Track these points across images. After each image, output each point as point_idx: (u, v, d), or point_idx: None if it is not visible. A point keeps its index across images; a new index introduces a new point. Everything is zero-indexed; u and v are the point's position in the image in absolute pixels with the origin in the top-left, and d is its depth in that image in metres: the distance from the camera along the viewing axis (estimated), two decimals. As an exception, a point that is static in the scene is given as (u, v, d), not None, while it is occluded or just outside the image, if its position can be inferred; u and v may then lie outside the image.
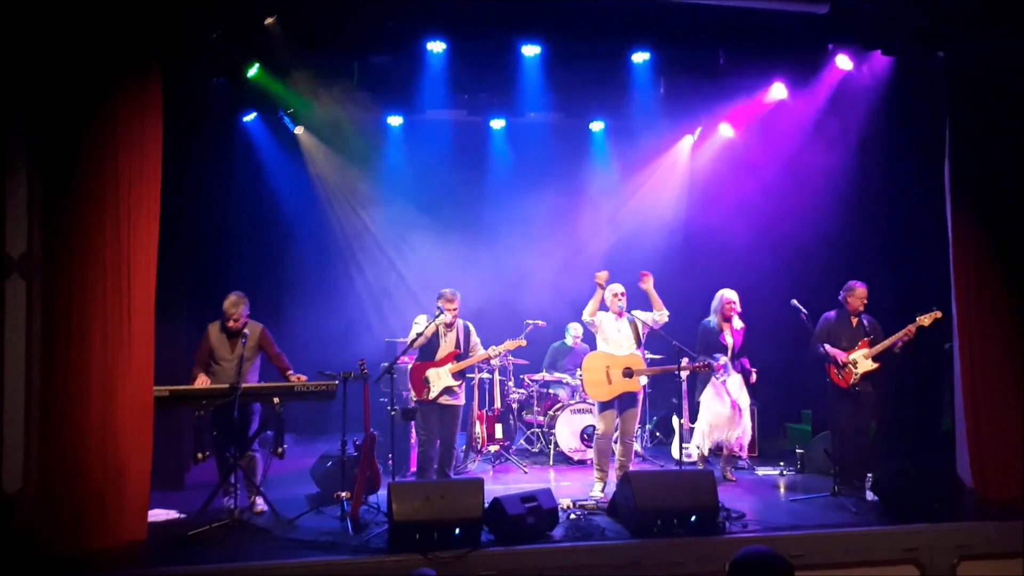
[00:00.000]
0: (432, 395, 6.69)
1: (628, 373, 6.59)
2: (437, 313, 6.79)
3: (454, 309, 6.74)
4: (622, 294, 6.73)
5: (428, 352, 6.81)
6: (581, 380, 7.08)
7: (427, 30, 7.15)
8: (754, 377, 7.19)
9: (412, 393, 6.82)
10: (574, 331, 8.87)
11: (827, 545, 5.38)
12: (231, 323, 6.08)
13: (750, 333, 7.35)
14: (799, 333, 7.01)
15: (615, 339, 6.72)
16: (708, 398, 7.14)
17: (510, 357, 8.25)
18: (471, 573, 4.93)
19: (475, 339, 7.00)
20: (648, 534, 5.30)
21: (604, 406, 6.62)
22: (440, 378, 6.73)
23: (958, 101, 6.82)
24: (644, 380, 6.94)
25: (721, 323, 7.14)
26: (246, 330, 6.05)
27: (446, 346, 6.81)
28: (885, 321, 6.87)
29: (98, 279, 5.33)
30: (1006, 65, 6.52)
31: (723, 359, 7.05)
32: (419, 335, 6.72)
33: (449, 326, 6.84)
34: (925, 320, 6.54)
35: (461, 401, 6.88)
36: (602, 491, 6.54)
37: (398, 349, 6.86)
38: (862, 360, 6.70)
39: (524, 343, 7.13)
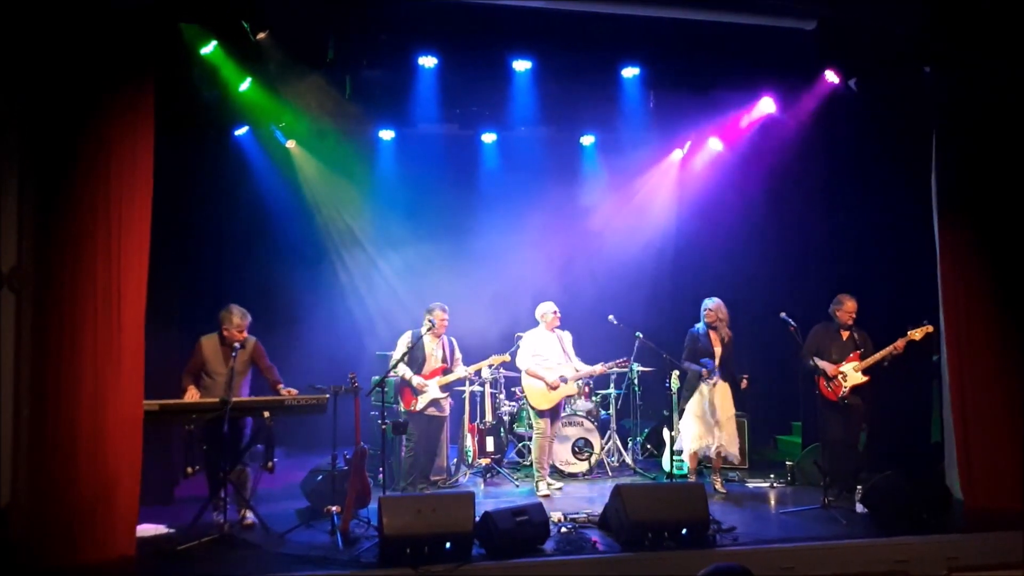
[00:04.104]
0: (419, 406, 6.96)
1: (564, 379, 7.23)
2: (428, 326, 6.90)
3: (445, 322, 6.99)
4: (555, 313, 7.41)
5: (415, 365, 6.98)
6: (524, 395, 7.54)
7: (419, 45, 7.19)
8: (745, 382, 7.19)
9: (400, 404, 6.94)
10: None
11: (817, 557, 5.38)
12: (238, 335, 6.06)
13: (739, 345, 7.38)
14: (788, 346, 7.04)
15: (544, 354, 7.28)
16: (693, 406, 7.16)
17: (501, 370, 8.26)
18: (462, 587, 4.92)
19: (458, 354, 7.29)
20: (639, 547, 5.30)
21: (542, 413, 7.22)
22: (428, 390, 6.94)
23: (944, 116, 6.89)
24: (576, 387, 7.76)
25: (709, 331, 7.18)
26: (237, 343, 6.05)
27: (433, 360, 7.06)
28: (874, 334, 6.90)
29: (88, 292, 5.32)
30: (991, 80, 6.59)
31: (714, 364, 7.07)
32: (404, 354, 6.85)
33: (436, 339, 6.99)
34: (916, 334, 6.58)
35: (446, 413, 7.28)
36: (547, 488, 7.13)
37: (389, 363, 6.93)
38: (851, 373, 6.73)
39: (508, 358, 7.42)
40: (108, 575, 5.01)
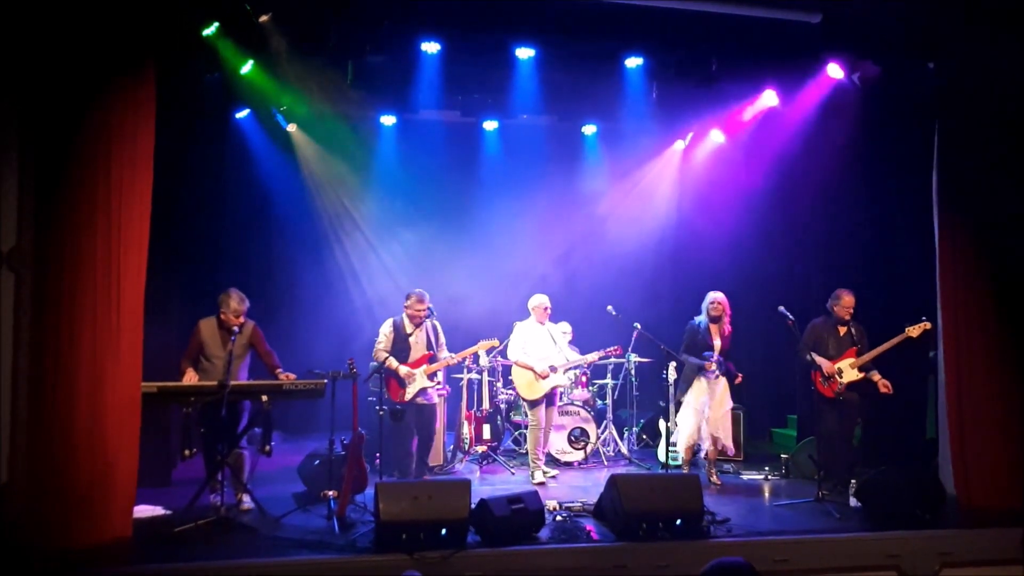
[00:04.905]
0: (407, 397, 6.88)
1: (553, 369, 7.31)
2: (428, 314, 6.90)
3: (423, 310, 6.91)
4: (546, 309, 7.47)
5: (400, 355, 6.92)
6: (513, 387, 7.62)
7: (422, 30, 7.16)
8: (739, 379, 7.23)
9: (387, 395, 6.86)
10: (562, 329, 8.88)
11: (810, 550, 5.41)
12: (235, 319, 6.05)
13: (737, 337, 7.39)
14: (786, 339, 7.06)
15: (535, 345, 7.38)
16: (691, 399, 7.18)
17: (499, 358, 8.27)
18: (457, 574, 4.94)
19: (442, 339, 7.18)
20: (633, 537, 5.33)
21: (534, 403, 7.28)
22: (415, 380, 6.88)
23: (947, 111, 6.88)
24: (566, 378, 7.83)
25: (710, 324, 7.19)
26: (236, 327, 6.05)
27: (417, 348, 6.97)
28: (872, 329, 6.91)
29: (88, 274, 5.32)
30: (995, 76, 6.58)
31: (715, 357, 7.09)
32: (388, 356, 6.82)
33: (418, 327, 6.94)
34: (914, 331, 6.59)
35: (435, 401, 7.18)
36: (542, 476, 7.16)
37: (373, 352, 6.93)
38: (848, 370, 6.74)
39: (497, 343, 7.42)
40: (104, 556, 5.01)
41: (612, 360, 8.21)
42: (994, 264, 6.64)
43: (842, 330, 6.89)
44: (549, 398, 7.39)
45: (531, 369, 7.26)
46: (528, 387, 7.32)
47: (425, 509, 5.07)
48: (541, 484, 6.98)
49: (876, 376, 6.74)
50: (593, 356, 7.71)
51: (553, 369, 7.32)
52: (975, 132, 6.69)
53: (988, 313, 6.63)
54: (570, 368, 7.76)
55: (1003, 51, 6.44)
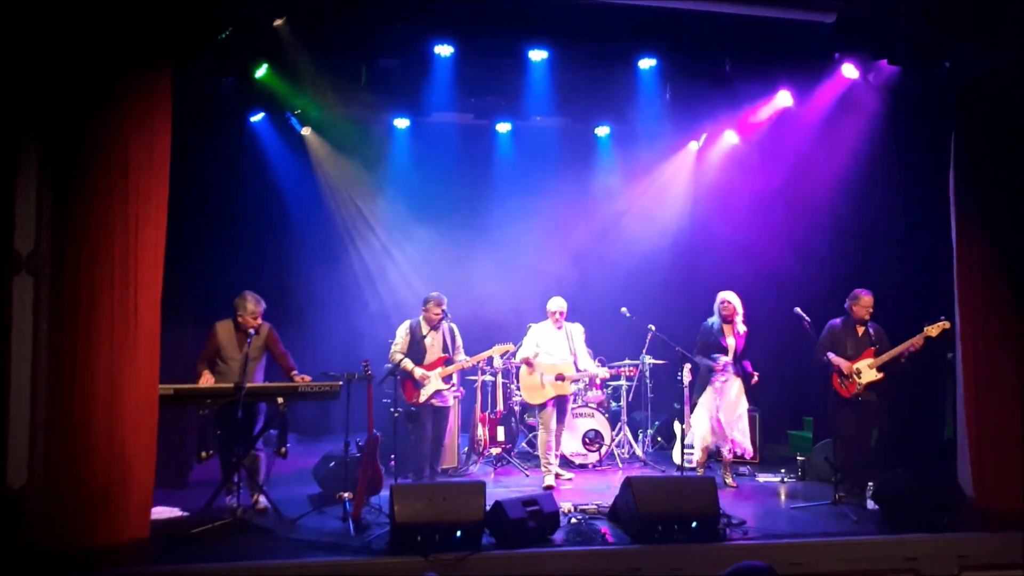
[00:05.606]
0: (422, 399, 6.91)
1: (560, 378, 7.18)
2: (442, 316, 6.91)
3: (440, 313, 6.93)
4: (553, 313, 7.36)
5: (416, 357, 6.95)
6: (519, 389, 7.65)
7: (435, 33, 7.19)
8: (755, 379, 7.19)
9: (402, 397, 6.90)
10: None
11: (828, 553, 5.37)
12: (252, 321, 6.08)
13: (753, 339, 7.36)
14: (802, 340, 7.02)
15: (548, 350, 7.28)
16: (706, 400, 7.15)
17: (513, 360, 8.27)
18: (472, 576, 4.95)
19: (459, 342, 7.21)
20: (649, 539, 5.31)
21: (541, 408, 7.20)
22: (430, 382, 6.91)
23: (964, 111, 6.83)
24: (573, 387, 7.59)
25: (723, 325, 7.16)
26: (252, 330, 6.08)
27: (433, 351, 6.99)
28: (890, 330, 6.86)
29: (105, 277, 5.36)
30: (1012, 75, 6.53)
31: (723, 359, 7.06)
32: (403, 358, 6.84)
33: (435, 330, 6.95)
34: (932, 331, 6.52)
35: (450, 403, 7.19)
36: (554, 479, 7.13)
37: (389, 354, 6.95)
38: (866, 370, 6.69)
39: (512, 347, 7.44)
40: (121, 557, 5.05)
41: (627, 362, 8.19)
42: (1012, 264, 6.58)
43: (860, 330, 6.85)
44: (560, 408, 7.30)
45: (527, 361, 7.22)
46: (531, 392, 7.28)
47: (440, 511, 5.07)
48: (550, 488, 6.94)
49: (905, 354, 6.63)
50: (605, 372, 7.75)
51: (560, 378, 7.21)
52: (992, 131, 6.64)
53: (1006, 313, 6.57)
54: (578, 379, 7.64)
55: (1019, 50, 6.39)
